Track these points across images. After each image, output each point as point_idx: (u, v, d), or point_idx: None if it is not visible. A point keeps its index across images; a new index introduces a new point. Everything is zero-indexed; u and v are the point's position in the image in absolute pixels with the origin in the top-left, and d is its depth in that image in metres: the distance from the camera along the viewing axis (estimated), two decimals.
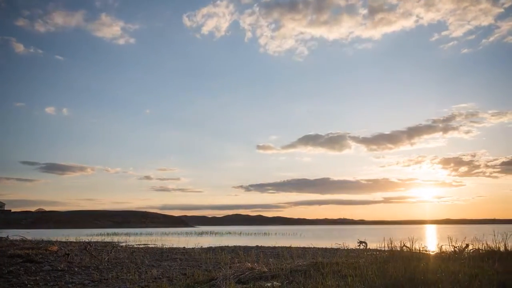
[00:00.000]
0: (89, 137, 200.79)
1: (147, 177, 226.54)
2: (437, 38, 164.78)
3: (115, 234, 64.00)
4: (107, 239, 43.72)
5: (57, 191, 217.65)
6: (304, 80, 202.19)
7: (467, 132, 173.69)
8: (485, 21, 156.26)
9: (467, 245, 11.12)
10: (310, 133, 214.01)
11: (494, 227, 15.54)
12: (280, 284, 8.27)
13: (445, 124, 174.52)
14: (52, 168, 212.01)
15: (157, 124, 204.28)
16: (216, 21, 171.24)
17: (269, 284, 8.41)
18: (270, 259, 15.40)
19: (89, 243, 20.84)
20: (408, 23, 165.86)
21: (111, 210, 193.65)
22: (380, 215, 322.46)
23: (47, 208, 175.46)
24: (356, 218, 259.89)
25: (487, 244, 10.29)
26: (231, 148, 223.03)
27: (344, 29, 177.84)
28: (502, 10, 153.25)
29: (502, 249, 9.68)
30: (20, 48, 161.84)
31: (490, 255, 8.77)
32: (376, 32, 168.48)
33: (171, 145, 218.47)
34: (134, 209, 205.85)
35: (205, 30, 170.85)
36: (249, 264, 10.43)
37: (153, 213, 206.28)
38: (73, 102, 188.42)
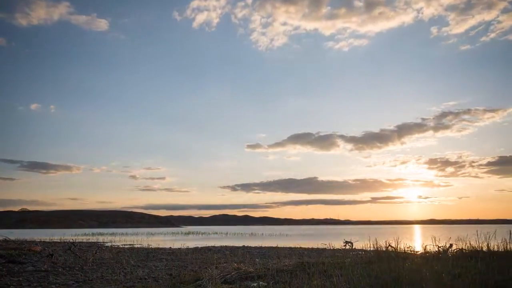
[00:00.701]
0: (74, 135, 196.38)
1: (133, 177, 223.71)
2: (436, 34, 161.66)
3: (100, 234, 63.42)
4: (92, 239, 43.33)
5: (40, 190, 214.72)
6: (295, 76, 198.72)
7: (458, 131, 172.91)
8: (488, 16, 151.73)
9: (451, 245, 11.27)
10: (299, 132, 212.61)
11: (478, 227, 15.78)
12: (266, 284, 8.27)
13: (435, 123, 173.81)
14: (35, 166, 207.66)
15: (144, 122, 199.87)
16: (207, 15, 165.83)
17: (255, 284, 8.41)
18: (256, 259, 15.42)
19: (73, 243, 20.59)
20: (406, 18, 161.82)
21: (96, 210, 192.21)
22: (367, 215, 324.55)
23: (31, 208, 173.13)
24: (342, 218, 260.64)
25: (470, 244, 10.43)
26: (219, 147, 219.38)
27: (339, 24, 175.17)
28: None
29: (485, 249, 9.81)
30: (2, 42, 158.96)
31: (473, 255, 8.89)
32: (374, 27, 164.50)
33: (157, 143, 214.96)
34: (119, 209, 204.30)
35: (195, 24, 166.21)
36: (235, 264, 10.42)
37: (139, 213, 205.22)
38: (60, 99, 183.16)
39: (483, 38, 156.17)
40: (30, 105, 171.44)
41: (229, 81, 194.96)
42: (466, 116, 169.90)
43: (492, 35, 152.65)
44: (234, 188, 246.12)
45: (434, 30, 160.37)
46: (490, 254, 8.84)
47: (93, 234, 60.14)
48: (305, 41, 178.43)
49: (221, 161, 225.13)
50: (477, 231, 10.63)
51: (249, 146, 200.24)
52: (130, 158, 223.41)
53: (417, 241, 31.05)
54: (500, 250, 9.58)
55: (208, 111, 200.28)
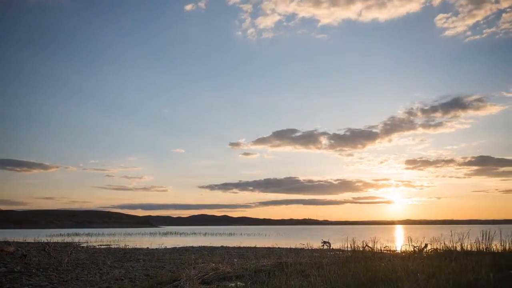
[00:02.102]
0: (48, 132, 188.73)
1: (110, 176, 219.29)
2: (433, 24, 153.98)
3: (75, 234, 62.40)
4: (68, 239, 42.59)
5: (14, 189, 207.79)
6: (280, 70, 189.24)
7: (441, 130, 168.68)
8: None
9: (426, 245, 11.49)
10: (282, 128, 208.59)
11: (455, 227, 16.15)
12: (244, 284, 8.27)
13: (421, 122, 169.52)
14: (8, 164, 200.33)
15: (121, 120, 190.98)
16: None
17: (233, 285, 8.40)
18: (234, 259, 15.40)
19: (48, 243, 20.17)
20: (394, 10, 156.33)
21: (72, 210, 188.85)
22: (347, 216, 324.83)
23: (4, 208, 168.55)
24: (320, 218, 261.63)
25: (445, 244, 10.66)
26: (198, 145, 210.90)
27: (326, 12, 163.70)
28: None
29: (458, 248, 10.05)
30: None
31: (447, 255, 9.09)
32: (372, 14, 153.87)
33: (134, 142, 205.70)
34: (96, 209, 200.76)
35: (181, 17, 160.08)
36: (213, 264, 10.39)
37: (116, 213, 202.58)
38: (35, 95, 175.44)
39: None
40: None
41: (211, 75, 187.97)
42: (450, 115, 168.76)
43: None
44: (212, 187, 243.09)
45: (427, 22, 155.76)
46: (464, 254, 9.06)
47: (68, 235, 59.02)
48: (295, 31, 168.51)
49: (201, 160, 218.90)
50: (451, 231, 10.88)
51: (231, 144, 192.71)
52: (107, 156, 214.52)
53: (394, 241, 31.56)
54: (473, 249, 9.83)
55: (187, 108, 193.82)
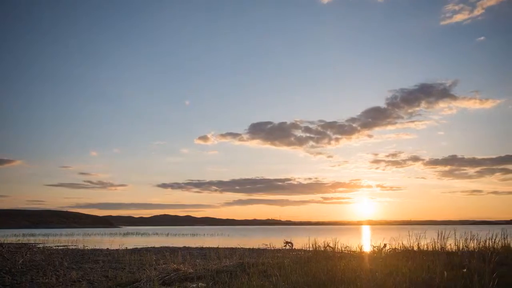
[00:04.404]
0: (2, 127, 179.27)
1: (68, 173, 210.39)
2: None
3: (31, 235, 60.34)
4: (23, 240, 41.20)
5: None
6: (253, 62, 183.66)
7: (411, 131, 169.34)
8: None
9: (385, 245, 11.79)
10: (254, 122, 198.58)
11: (415, 228, 16.68)
12: (205, 285, 8.22)
13: (394, 119, 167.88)
14: None
15: (81, 116, 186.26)
16: None
17: (194, 285, 8.33)
18: (197, 260, 15.30)
19: (1, 244, 19.38)
20: None
21: (28, 209, 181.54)
22: (313, 216, 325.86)
23: None
24: (283, 219, 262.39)
25: (403, 244, 10.97)
26: (163, 141, 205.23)
27: None
28: None
29: (415, 248, 10.37)
30: None
31: (405, 254, 9.36)
32: None
33: (94, 137, 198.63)
34: (53, 208, 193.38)
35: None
36: (174, 265, 10.28)
37: (75, 212, 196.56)
38: None
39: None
40: None
41: (175, 69, 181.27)
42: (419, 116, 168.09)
43: None
44: (173, 186, 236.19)
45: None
46: (420, 253, 9.36)
47: (23, 235, 56.97)
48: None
49: (164, 157, 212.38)
50: (409, 231, 11.21)
51: (199, 139, 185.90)
52: (65, 153, 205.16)
53: (356, 241, 32.21)
54: (429, 249, 10.17)
55: (149, 100, 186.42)
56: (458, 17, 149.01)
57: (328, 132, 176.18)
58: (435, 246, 10.34)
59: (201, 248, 25.47)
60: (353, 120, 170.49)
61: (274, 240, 23.04)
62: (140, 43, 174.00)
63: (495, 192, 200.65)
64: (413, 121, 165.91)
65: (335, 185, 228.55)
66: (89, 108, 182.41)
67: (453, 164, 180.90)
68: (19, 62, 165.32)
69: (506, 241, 9.80)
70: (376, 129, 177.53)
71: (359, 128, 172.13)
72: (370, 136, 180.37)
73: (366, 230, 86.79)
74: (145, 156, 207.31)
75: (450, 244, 10.48)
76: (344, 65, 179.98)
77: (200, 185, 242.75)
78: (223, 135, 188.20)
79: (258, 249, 22.78)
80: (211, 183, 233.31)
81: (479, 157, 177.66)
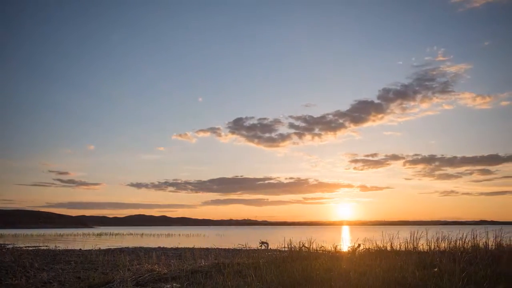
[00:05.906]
0: None
1: (39, 171, 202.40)
2: None
3: (0, 235, 58.56)
4: None
5: None
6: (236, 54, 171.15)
7: (393, 129, 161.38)
8: None
9: (359, 245, 11.94)
10: (233, 119, 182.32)
11: (390, 228, 16.93)
12: (180, 285, 8.15)
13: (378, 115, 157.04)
14: None
15: (51, 111, 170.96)
16: None
17: (168, 286, 8.25)
18: (172, 261, 15.16)
19: None
20: None
21: None
22: (291, 216, 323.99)
23: None
24: (260, 219, 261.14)
25: (376, 244, 11.15)
26: (139, 138, 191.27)
27: None
28: None
29: (388, 248, 10.55)
30: None
31: (378, 254, 9.51)
32: None
33: (65, 134, 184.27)
34: (24, 208, 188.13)
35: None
36: (149, 265, 10.16)
37: (47, 212, 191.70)
38: None
39: None
40: None
41: (153, 64, 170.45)
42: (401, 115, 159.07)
43: None
44: (150, 186, 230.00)
45: None
46: (393, 253, 9.53)
47: None
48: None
49: (139, 155, 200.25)
50: (382, 232, 11.39)
51: (176, 135, 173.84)
52: (36, 150, 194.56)
53: (332, 241, 32.51)
54: (401, 249, 10.36)
55: (130, 95, 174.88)
56: None
57: (304, 130, 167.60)
58: (407, 246, 10.55)
59: (176, 249, 25.27)
60: (336, 116, 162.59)
61: (250, 240, 23.06)
62: (117, 36, 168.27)
63: (468, 194, 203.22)
64: (396, 119, 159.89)
65: (318, 185, 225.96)
66: (61, 102, 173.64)
67: (433, 163, 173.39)
68: None
69: (475, 241, 10.06)
70: (363, 125, 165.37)
71: (340, 126, 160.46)
72: (351, 136, 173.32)
73: (344, 230, 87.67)
74: (119, 154, 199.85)
75: (422, 244, 10.70)
76: (319, 64, 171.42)
77: (176, 184, 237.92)
78: (203, 131, 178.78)
79: (234, 249, 22.74)
80: (187, 183, 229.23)
81: (459, 155, 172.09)
